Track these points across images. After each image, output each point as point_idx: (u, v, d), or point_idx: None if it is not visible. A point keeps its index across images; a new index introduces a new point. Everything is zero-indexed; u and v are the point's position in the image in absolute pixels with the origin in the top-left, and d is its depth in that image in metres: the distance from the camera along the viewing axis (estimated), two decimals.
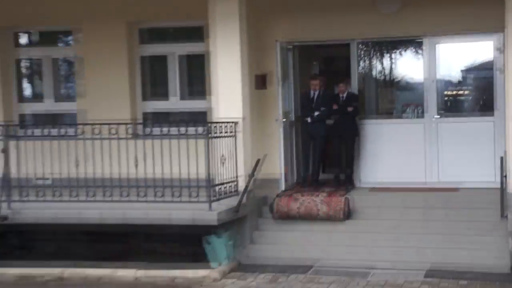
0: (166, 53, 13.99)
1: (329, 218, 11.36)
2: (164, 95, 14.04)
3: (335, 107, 12.70)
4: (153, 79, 14.21)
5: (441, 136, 12.62)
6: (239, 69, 11.66)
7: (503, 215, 10.60)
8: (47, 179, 11.65)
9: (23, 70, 15.07)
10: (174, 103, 13.96)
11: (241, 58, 11.69)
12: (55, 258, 11.00)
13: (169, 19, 13.82)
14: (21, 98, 14.85)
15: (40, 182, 11.59)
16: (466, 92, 13.58)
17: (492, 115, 12.38)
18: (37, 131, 12.81)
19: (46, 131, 12.38)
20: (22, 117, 14.64)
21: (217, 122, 11.17)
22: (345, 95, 12.72)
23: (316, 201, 11.45)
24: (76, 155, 11.09)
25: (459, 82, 13.43)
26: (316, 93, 12.79)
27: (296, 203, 11.53)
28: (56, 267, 10.62)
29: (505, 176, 10.64)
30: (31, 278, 10.20)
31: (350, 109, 12.64)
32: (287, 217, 11.57)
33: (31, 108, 14.79)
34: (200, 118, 12.87)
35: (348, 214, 11.43)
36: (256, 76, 12.89)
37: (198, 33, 13.54)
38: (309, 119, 12.80)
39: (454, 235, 10.84)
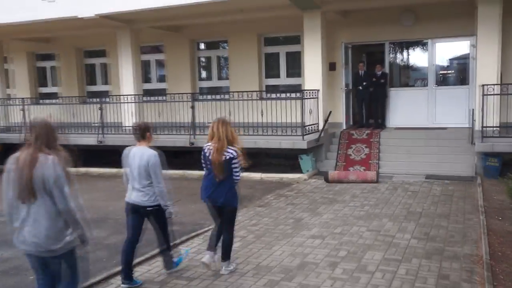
0: (279, 51, 14.02)
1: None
2: (277, 75, 14.10)
3: (374, 79, 12.50)
4: (271, 66, 14.22)
5: (437, 97, 12.30)
6: (319, 59, 11.70)
7: (472, 143, 10.50)
8: None
9: (201, 63, 15.43)
10: (283, 79, 14.02)
11: (321, 53, 11.69)
12: None
13: (280, 31, 13.83)
14: (200, 78, 15.19)
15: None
16: (451, 72, 13.11)
17: (467, 85, 11.99)
18: (208, 97, 13.56)
19: (213, 96, 13.03)
20: (200, 89, 15.04)
21: (306, 90, 11.32)
22: (380, 72, 12.46)
23: (357, 173, 10.25)
24: (229, 109, 11.46)
25: (448, 66, 12.96)
26: (362, 72, 12.66)
27: (344, 176, 10.20)
28: None
29: (474, 120, 10.45)
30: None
31: (382, 80, 12.43)
32: (338, 182, 10.06)
33: (204, 84, 15.11)
34: (297, 88, 13.01)
35: (378, 177, 10.01)
36: (329, 63, 12.84)
37: (296, 39, 13.51)
38: (359, 88, 12.73)
39: (442, 154, 10.81)
